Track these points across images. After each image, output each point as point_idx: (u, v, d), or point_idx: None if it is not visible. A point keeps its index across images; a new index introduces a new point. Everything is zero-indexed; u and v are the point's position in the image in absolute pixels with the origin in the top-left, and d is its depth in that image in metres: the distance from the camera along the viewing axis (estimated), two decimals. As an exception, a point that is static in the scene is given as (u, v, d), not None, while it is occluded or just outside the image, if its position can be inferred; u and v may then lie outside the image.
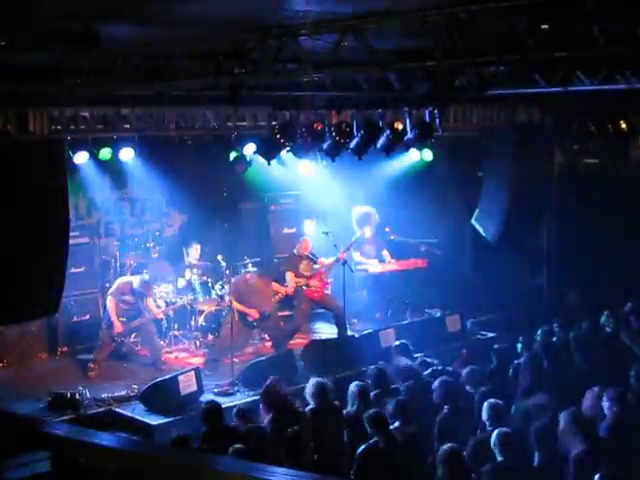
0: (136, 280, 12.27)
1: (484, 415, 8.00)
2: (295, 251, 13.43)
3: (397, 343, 11.25)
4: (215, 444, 7.84)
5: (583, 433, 7.50)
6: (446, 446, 7.22)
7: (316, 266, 13.33)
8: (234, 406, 9.63)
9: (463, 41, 7.00)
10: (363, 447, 7.84)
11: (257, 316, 12.53)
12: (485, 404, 8.05)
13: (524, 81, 10.57)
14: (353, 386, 8.96)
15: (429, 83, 10.29)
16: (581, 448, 7.36)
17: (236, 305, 12.40)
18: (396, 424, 8.18)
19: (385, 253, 14.68)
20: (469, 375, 9.54)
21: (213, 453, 7.33)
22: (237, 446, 7.31)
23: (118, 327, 12.18)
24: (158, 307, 12.79)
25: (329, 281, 13.86)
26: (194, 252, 13.63)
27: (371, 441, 7.85)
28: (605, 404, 8.22)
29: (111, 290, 12.29)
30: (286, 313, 13.92)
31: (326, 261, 13.45)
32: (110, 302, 12.18)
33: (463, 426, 8.48)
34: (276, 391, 8.94)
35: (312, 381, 8.99)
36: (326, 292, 13.70)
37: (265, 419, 8.70)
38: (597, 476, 6.57)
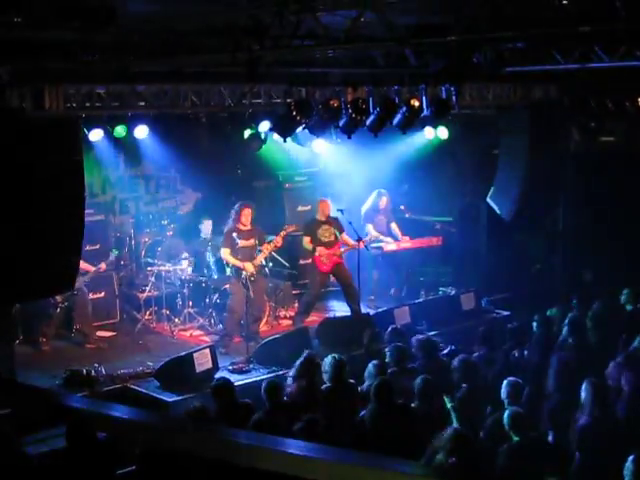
0: None
1: (503, 393, 7.95)
2: (317, 216, 13.18)
3: (394, 326, 10.90)
4: (228, 421, 7.86)
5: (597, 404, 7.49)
6: (451, 430, 6.92)
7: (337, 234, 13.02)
8: (250, 383, 9.63)
9: (483, 16, 6.94)
10: (362, 414, 7.96)
11: (252, 270, 12.15)
12: (504, 382, 8.00)
13: (542, 58, 10.49)
14: (371, 364, 9.00)
15: (446, 59, 10.23)
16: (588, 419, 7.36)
17: (230, 259, 12.14)
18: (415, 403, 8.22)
19: (394, 226, 14.62)
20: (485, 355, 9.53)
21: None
22: (255, 417, 7.33)
23: None
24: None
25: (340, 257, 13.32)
26: (206, 228, 13.64)
27: (369, 407, 7.94)
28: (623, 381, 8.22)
29: None
30: (298, 291, 13.90)
31: (351, 242, 13.07)
32: None
33: (481, 405, 8.48)
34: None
35: (328, 359, 8.99)
36: (341, 264, 13.22)
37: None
38: (630, 457, 6.33)
